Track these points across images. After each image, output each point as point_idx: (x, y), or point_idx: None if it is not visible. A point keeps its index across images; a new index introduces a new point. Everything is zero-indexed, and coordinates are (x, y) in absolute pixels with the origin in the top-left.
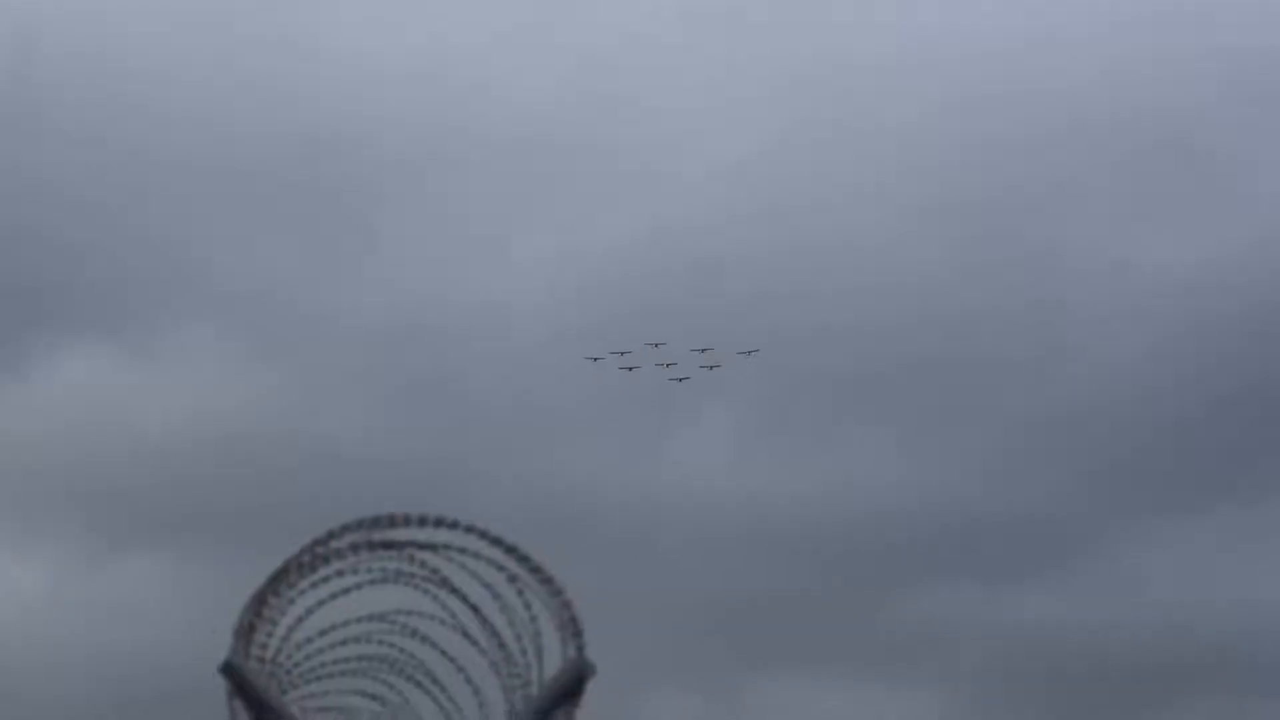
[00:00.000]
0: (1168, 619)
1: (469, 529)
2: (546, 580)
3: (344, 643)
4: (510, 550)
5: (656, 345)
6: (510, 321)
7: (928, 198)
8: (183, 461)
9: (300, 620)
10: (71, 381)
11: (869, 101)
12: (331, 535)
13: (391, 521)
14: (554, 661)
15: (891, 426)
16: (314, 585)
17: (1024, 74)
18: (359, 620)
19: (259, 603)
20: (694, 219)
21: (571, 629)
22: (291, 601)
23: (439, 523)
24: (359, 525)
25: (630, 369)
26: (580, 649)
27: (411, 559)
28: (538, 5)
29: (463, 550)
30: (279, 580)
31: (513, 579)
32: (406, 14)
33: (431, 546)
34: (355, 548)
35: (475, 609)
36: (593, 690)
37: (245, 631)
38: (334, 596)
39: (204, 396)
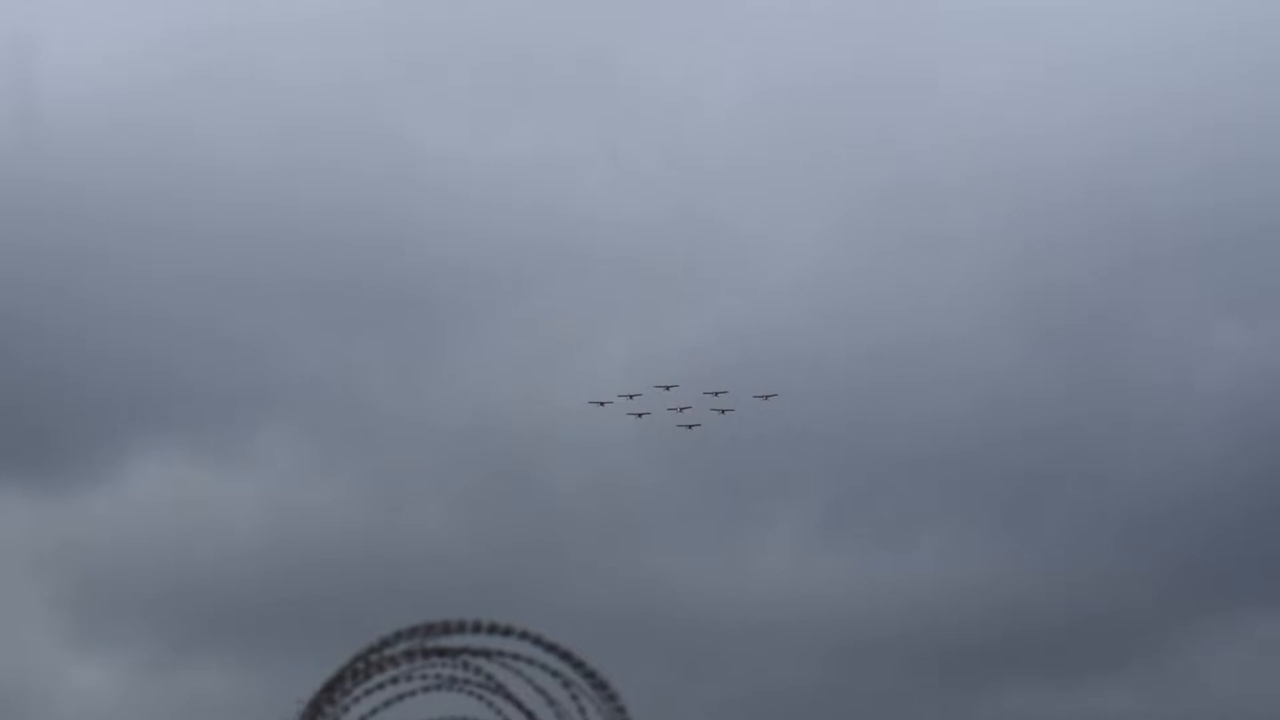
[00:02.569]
0: (1235, 714)
1: (523, 634)
2: (601, 685)
3: None
4: (565, 656)
5: (668, 388)
6: (586, 424)
7: (1001, 300)
8: (260, 562)
9: None
10: (156, 486)
11: (947, 210)
12: (385, 642)
13: (446, 628)
14: None
15: (958, 527)
16: (368, 692)
17: (1106, 176)
18: None
19: (314, 710)
20: (766, 325)
21: None
22: (346, 709)
23: (493, 629)
24: (413, 632)
25: (639, 415)
26: None
27: (466, 665)
28: (609, 120)
29: (517, 656)
30: (333, 688)
31: (567, 684)
32: (491, 130)
33: (486, 653)
34: (410, 654)
35: (531, 715)
36: None
37: None
38: (388, 704)
39: (284, 497)
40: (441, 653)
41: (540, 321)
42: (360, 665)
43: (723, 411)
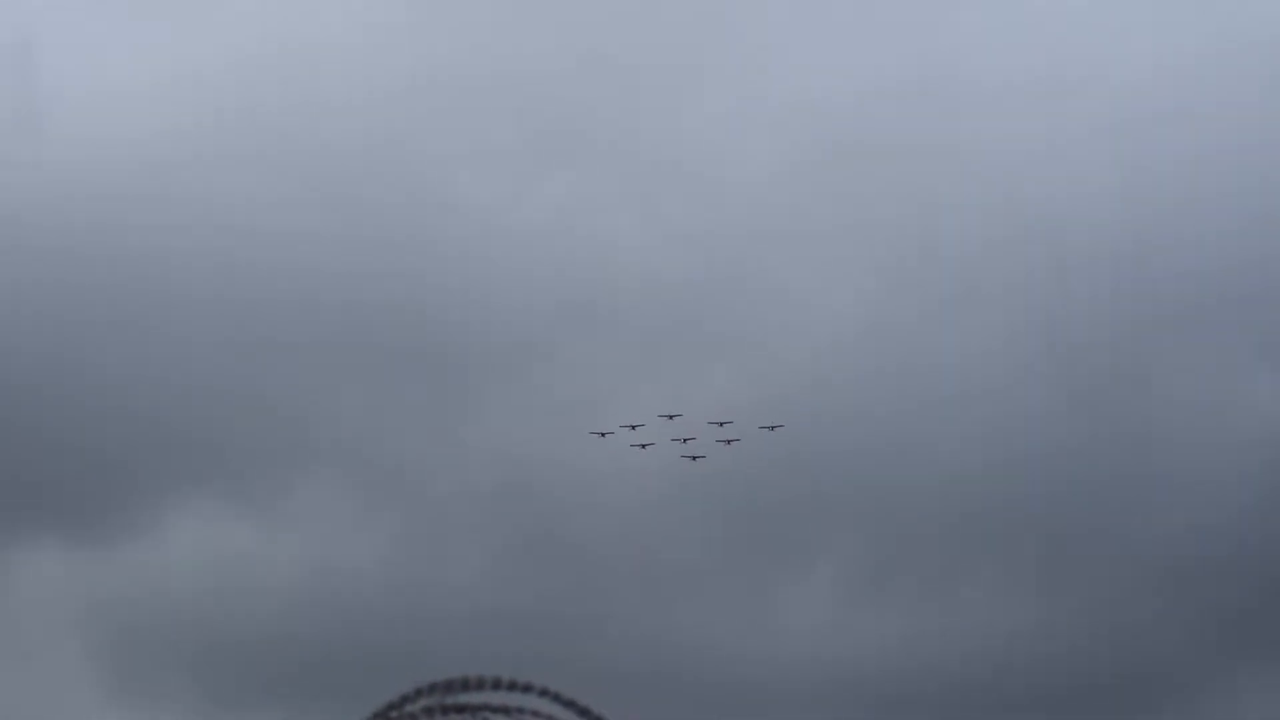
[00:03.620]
0: None
1: (543, 692)
2: None
3: None
4: (584, 712)
5: (671, 418)
6: (613, 481)
7: (1032, 353)
8: (297, 617)
9: None
10: (195, 541)
11: (982, 267)
12: (405, 699)
13: (465, 685)
14: None
15: (994, 580)
16: None
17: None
18: None
19: None
20: (802, 382)
21: None
22: None
23: (511, 686)
24: (432, 689)
25: (643, 446)
26: None
27: None
28: (645, 178)
29: (536, 714)
30: None
31: None
32: (526, 188)
33: (505, 710)
34: (429, 711)
35: None
36: None
37: None
38: None
39: (321, 553)
40: (460, 709)
41: (575, 378)
42: None
43: (729, 442)
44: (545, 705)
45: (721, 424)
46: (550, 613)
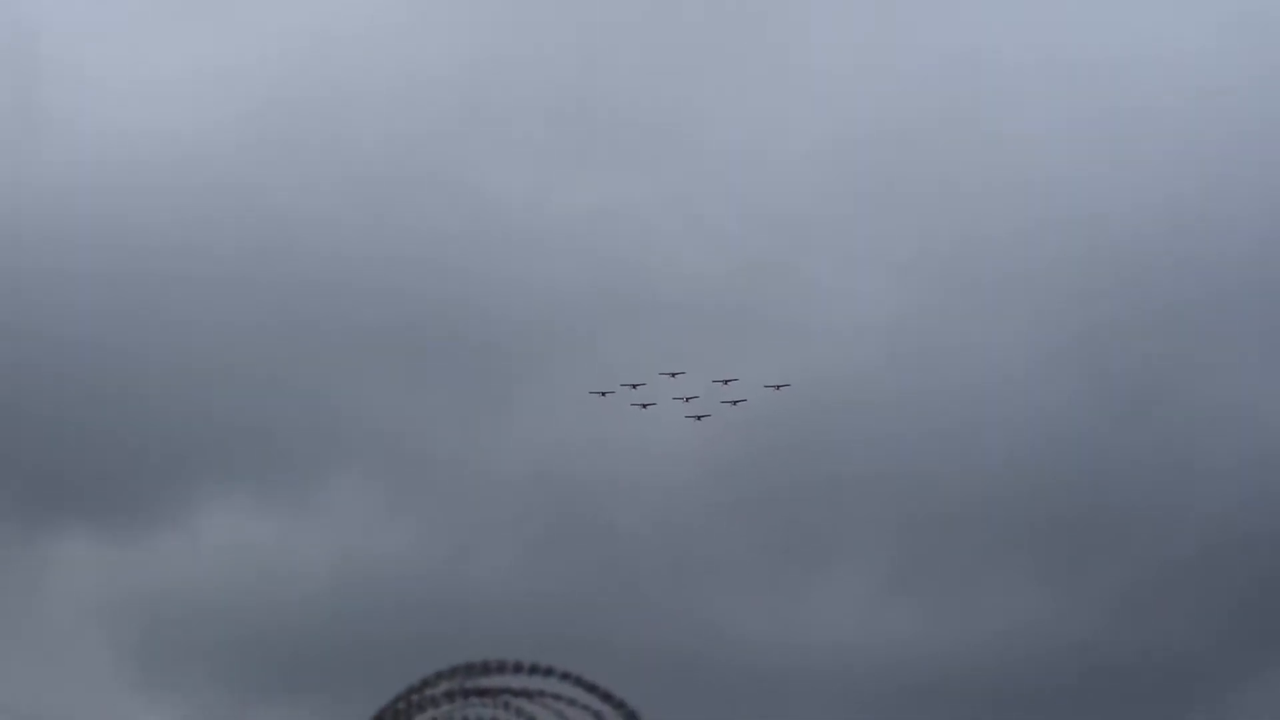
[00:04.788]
0: None
1: (565, 675)
2: None
3: None
4: (606, 697)
5: (674, 375)
6: (650, 469)
7: (1060, 349)
8: (327, 608)
9: None
10: (223, 533)
11: (1008, 254)
12: (426, 683)
13: (487, 668)
14: None
15: (1017, 572)
16: None
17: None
18: None
19: None
20: (831, 372)
21: None
22: None
23: (534, 669)
24: (453, 672)
25: (645, 405)
26: None
27: (507, 705)
28: (677, 170)
29: (558, 697)
30: None
31: None
32: (557, 180)
33: (527, 693)
34: (450, 695)
35: None
36: None
37: None
38: None
39: (351, 544)
40: (482, 693)
41: (606, 370)
42: (401, 706)
43: (735, 403)
44: (568, 689)
45: (726, 382)
46: (578, 602)
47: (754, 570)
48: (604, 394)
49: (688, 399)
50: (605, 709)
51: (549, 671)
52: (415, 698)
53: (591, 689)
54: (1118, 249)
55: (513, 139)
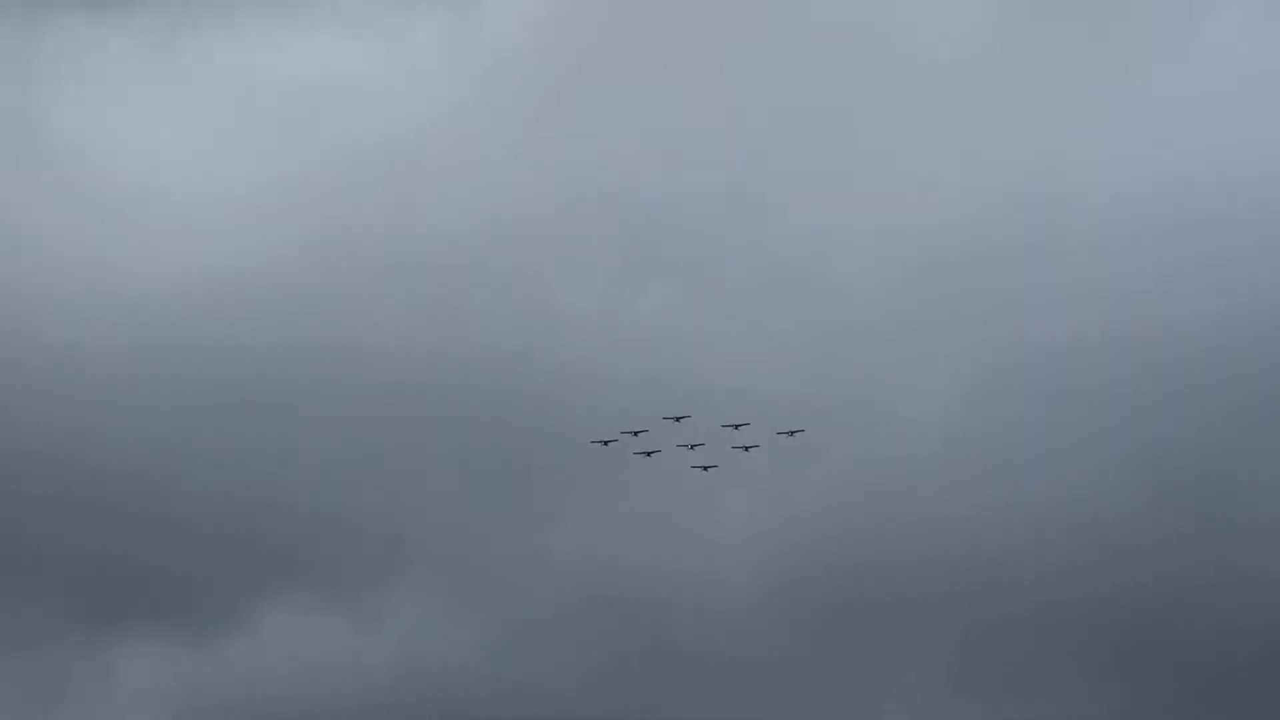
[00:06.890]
0: None
1: None
2: None
3: None
4: None
5: (678, 419)
6: (713, 579)
7: (1121, 461)
8: (392, 713)
9: None
10: (291, 636)
11: (1071, 365)
12: None
13: None
14: None
15: (1081, 679)
16: None
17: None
18: None
19: None
20: (899, 486)
21: None
22: None
23: None
24: None
25: (648, 454)
26: None
27: None
28: (741, 286)
29: None
30: None
31: None
32: (623, 296)
33: None
34: None
35: None
36: None
37: None
38: None
39: (415, 649)
40: None
41: (666, 483)
42: None
43: (746, 449)
44: None
45: (736, 427)
46: (639, 713)
47: (815, 682)
48: (606, 443)
49: (693, 446)
50: None
51: None
52: None
53: None
54: (1183, 361)
55: (576, 258)
